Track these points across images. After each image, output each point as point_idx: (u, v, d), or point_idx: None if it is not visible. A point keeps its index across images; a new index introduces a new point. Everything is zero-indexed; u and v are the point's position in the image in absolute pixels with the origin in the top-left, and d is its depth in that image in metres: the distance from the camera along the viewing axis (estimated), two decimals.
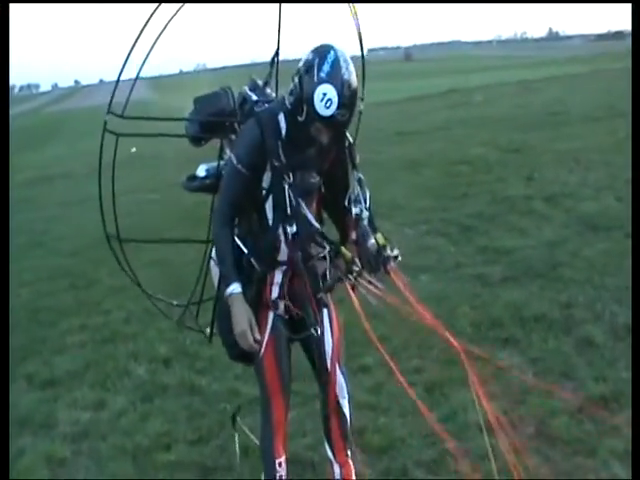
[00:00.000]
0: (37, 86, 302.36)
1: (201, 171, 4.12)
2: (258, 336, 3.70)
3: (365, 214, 3.85)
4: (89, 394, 6.24)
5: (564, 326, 6.47)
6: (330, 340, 4.05)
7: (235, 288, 3.66)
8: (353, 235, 3.84)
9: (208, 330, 4.30)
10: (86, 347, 7.39)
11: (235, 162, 3.66)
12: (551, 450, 4.63)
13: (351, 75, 3.47)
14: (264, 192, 3.73)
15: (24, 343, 7.62)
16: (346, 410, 4.14)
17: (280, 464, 3.96)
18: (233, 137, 3.98)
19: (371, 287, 3.92)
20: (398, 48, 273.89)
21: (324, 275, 4.01)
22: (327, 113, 3.44)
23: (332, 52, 3.47)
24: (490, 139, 18.03)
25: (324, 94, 3.41)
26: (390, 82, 57.57)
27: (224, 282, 3.74)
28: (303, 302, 3.91)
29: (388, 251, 3.75)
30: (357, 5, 4.36)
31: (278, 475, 3.96)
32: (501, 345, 6.25)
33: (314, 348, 4.04)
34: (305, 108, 3.49)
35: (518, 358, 5.97)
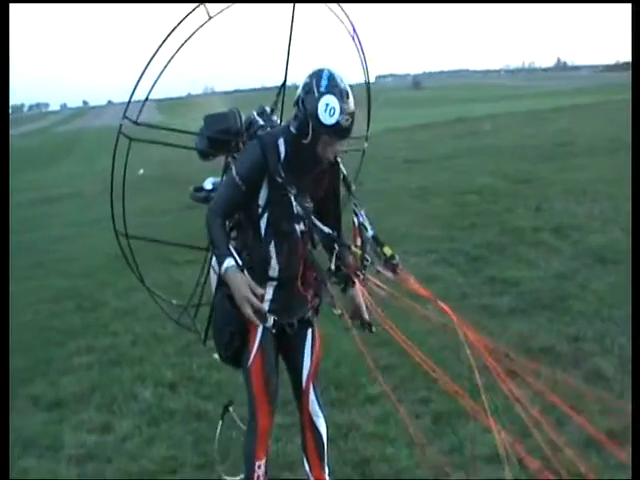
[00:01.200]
0: (46, 105, 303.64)
1: (208, 184, 4.48)
2: (261, 291, 3.94)
3: (368, 226, 4.04)
4: (95, 416, 6.22)
5: (572, 359, 6.44)
6: (309, 360, 4.32)
7: (229, 262, 3.87)
8: (358, 241, 4.05)
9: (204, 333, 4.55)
10: (93, 369, 7.36)
11: (234, 174, 3.95)
12: None
13: (346, 85, 3.82)
14: (260, 209, 3.99)
15: (30, 364, 7.62)
16: (322, 429, 4.40)
17: (259, 466, 4.23)
18: (237, 155, 4.24)
19: (378, 282, 4.13)
20: (407, 76, 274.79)
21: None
22: (332, 121, 3.73)
23: (326, 70, 3.83)
24: (498, 169, 18.05)
25: (327, 104, 3.72)
26: (398, 110, 57.76)
27: (218, 262, 3.94)
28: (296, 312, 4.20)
29: (397, 258, 3.95)
30: (365, 31, 4.62)
31: (256, 475, 4.23)
32: (508, 377, 6.22)
33: (291, 364, 4.37)
34: (311, 124, 3.77)
35: (525, 390, 5.94)
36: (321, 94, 3.73)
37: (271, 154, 3.90)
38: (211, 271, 4.44)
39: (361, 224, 4.03)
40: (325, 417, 4.45)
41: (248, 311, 3.85)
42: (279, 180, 3.89)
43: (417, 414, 5.77)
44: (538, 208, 13.01)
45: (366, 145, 5.14)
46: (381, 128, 36.89)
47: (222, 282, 4.05)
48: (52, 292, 10.68)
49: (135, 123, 4.44)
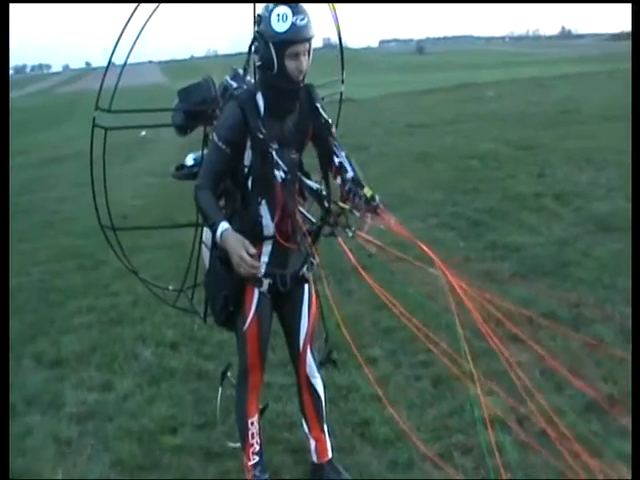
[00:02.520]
0: (48, 66, 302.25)
1: (189, 160, 4.41)
2: (254, 250, 3.81)
3: (348, 167, 3.95)
4: (96, 375, 6.24)
5: (573, 325, 6.44)
6: (305, 322, 4.31)
7: (222, 226, 3.80)
8: (338, 180, 3.99)
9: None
10: (93, 328, 7.37)
11: (216, 139, 3.87)
12: (557, 449, 4.61)
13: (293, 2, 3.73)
14: (246, 170, 3.92)
15: (33, 322, 7.64)
16: (319, 389, 4.45)
17: (252, 423, 4.32)
18: (215, 123, 4.15)
19: (369, 237, 4.02)
20: (410, 41, 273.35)
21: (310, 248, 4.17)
22: (286, 26, 3.67)
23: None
24: (501, 135, 17.99)
25: (278, 14, 3.69)
26: (402, 75, 57.43)
27: (213, 231, 3.86)
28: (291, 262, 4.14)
29: (377, 200, 3.86)
30: None
31: (250, 432, 4.32)
32: (509, 342, 6.22)
33: (288, 327, 4.37)
34: (271, 45, 3.70)
35: (526, 355, 5.94)
36: (271, 11, 3.69)
37: (250, 110, 3.82)
38: (203, 247, 4.41)
39: (341, 164, 3.97)
40: (322, 377, 4.49)
41: (244, 270, 3.79)
42: (260, 136, 3.82)
43: (417, 377, 5.80)
44: (540, 174, 12.98)
45: (343, 88, 5.12)
46: (384, 93, 36.79)
47: (215, 246, 4.00)
48: (58, 251, 10.69)
49: (109, 111, 4.45)
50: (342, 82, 5.09)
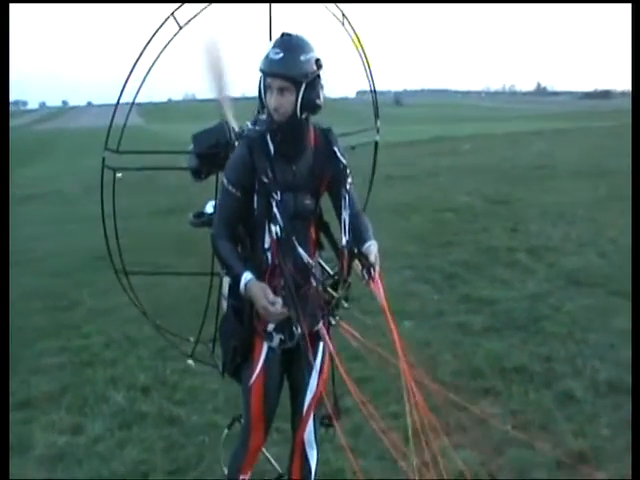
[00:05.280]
0: (25, 103, 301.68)
1: (209, 207, 4.22)
2: (272, 297, 3.57)
3: (344, 236, 3.80)
4: (66, 417, 6.16)
5: (545, 379, 6.48)
6: (315, 383, 4.06)
7: (246, 277, 3.60)
8: (343, 240, 3.80)
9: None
10: (65, 370, 7.29)
11: (226, 183, 3.69)
12: None
13: (296, 40, 3.58)
14: (256, 212, 3.71)
15: None
16: (312, 462, 4.19)
17: None
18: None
19: (352, 331, 4.06)
20: (388, 92, 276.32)
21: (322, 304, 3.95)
22: (264, 56, 3.56)
23: None
24: (477, 189, 18.18)
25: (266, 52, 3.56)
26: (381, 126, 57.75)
27: (236, 281, 3.65)
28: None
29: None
30: (346, 46, 4.65)
31: None
32: (481, 395, 6.26)
33: (294, 386, 4.11)
34: (259, 79, 3.63)
35: (498, 409, 5.98)
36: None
37: (258, 150, 3.63)
38: (221, 299, 4.23)
39: (345, 220, 3.82)
40: (319, 450, 4.26)
41: (271, 319, 3.67)
42: (265, 181, 3.61)
43: (388, 428, 5.77)
44: (514, 229, 13.15)
45: (378, 138, 5.09)
46: (364, 142, 37.05)
47: (231, 294, 3.84)
48: (25, 291, 10.50)
49: (117, 152, 4.37)
50: (377, 131, 5.02)
